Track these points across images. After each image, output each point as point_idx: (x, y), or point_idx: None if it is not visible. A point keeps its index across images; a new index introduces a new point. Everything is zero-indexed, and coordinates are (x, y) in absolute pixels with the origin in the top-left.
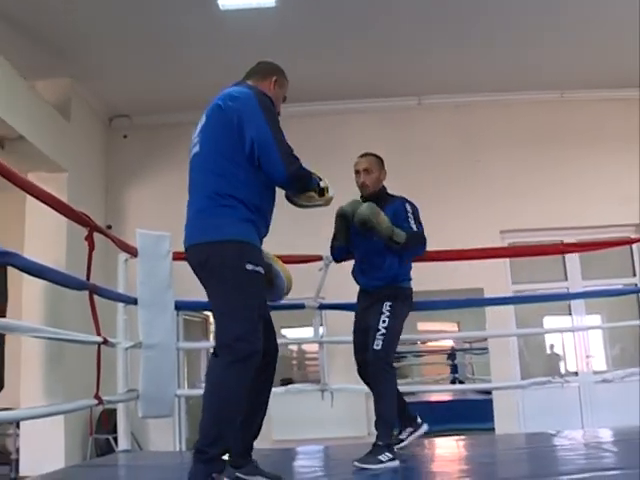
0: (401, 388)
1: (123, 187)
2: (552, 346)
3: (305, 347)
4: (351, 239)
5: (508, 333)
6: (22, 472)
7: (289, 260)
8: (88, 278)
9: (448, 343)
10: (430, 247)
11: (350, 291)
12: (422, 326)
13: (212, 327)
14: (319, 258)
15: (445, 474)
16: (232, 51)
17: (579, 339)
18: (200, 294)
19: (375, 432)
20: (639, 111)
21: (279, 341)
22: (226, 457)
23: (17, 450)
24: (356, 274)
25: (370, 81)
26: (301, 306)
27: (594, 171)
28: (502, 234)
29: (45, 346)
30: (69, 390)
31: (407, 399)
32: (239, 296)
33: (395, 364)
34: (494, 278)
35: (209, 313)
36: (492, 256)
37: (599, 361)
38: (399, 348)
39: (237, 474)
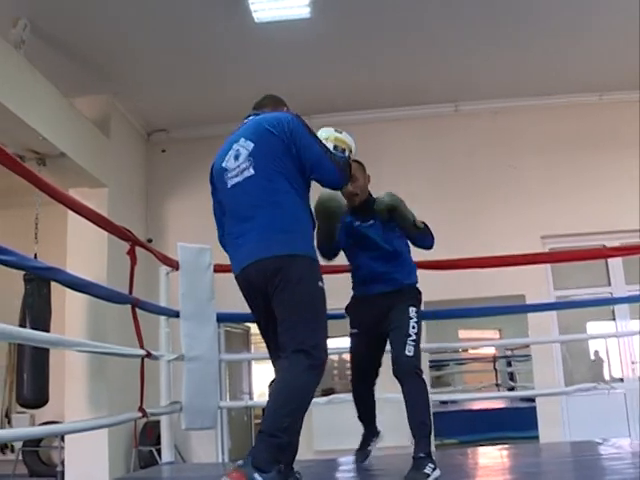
0: (444, 397)
1: (163, 201)
2: (596, 352)
3: (346, 357)
4: (349, 248)
5: (550, 340)
6: None
7: (331, 270)
8: (131, 292)
9: (490, 351)
10: (469, 254)
11: None
12: (463, 334)
13: (254, 338)
14: None
15: None
16: (267, 63)
17: (624, 345)
18: (242, 306)
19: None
20: None
21: None
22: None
23: (62, 462)
24: (362, 282)
25: (405, 89)
26: (341, 316)
27: (633, 174)
28: (543, 240)
29: (88, 359)
30: (112, 402)
31: (450, 408)
32: (313, 307)
33: (437, 372)
34: (536, 284)
35: (251, 325)
36: (533, 262)
37: None
38: (440, 357)
39: None
